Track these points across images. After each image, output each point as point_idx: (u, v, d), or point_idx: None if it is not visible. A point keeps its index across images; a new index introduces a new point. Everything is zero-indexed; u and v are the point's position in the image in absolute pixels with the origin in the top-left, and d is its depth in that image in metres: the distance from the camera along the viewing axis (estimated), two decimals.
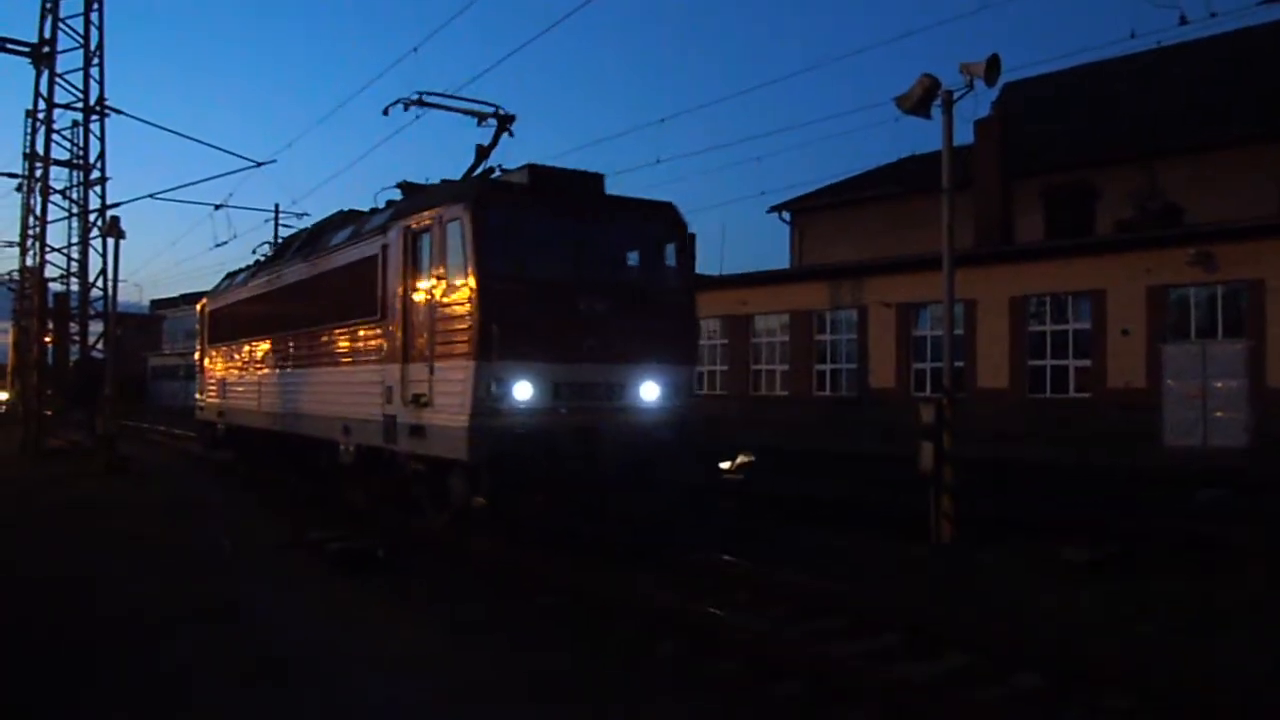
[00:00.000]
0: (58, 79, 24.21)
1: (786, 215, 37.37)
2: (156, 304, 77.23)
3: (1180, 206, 23.70)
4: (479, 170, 12.32)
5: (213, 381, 21.34)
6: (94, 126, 24.73)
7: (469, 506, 9.97)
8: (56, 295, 28.13)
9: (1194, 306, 20.61)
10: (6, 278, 38.84)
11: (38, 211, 25.86)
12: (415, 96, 12.42)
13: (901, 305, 25.25)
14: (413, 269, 11.11)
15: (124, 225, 22.07)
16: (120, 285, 24.87)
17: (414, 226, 11.13)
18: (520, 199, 10.62)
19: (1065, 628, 7.57)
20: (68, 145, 25.96)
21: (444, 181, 12.42)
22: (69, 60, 24.34)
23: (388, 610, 8.17)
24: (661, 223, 11.42)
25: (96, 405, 24.57)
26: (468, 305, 9.83)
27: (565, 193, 10.93)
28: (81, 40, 24.24)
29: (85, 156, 25.15)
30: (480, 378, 9.61)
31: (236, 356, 19.33)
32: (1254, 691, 5.82)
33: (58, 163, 25.60)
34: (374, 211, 13.73)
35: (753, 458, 15.61)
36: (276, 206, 40.78)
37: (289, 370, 15.74)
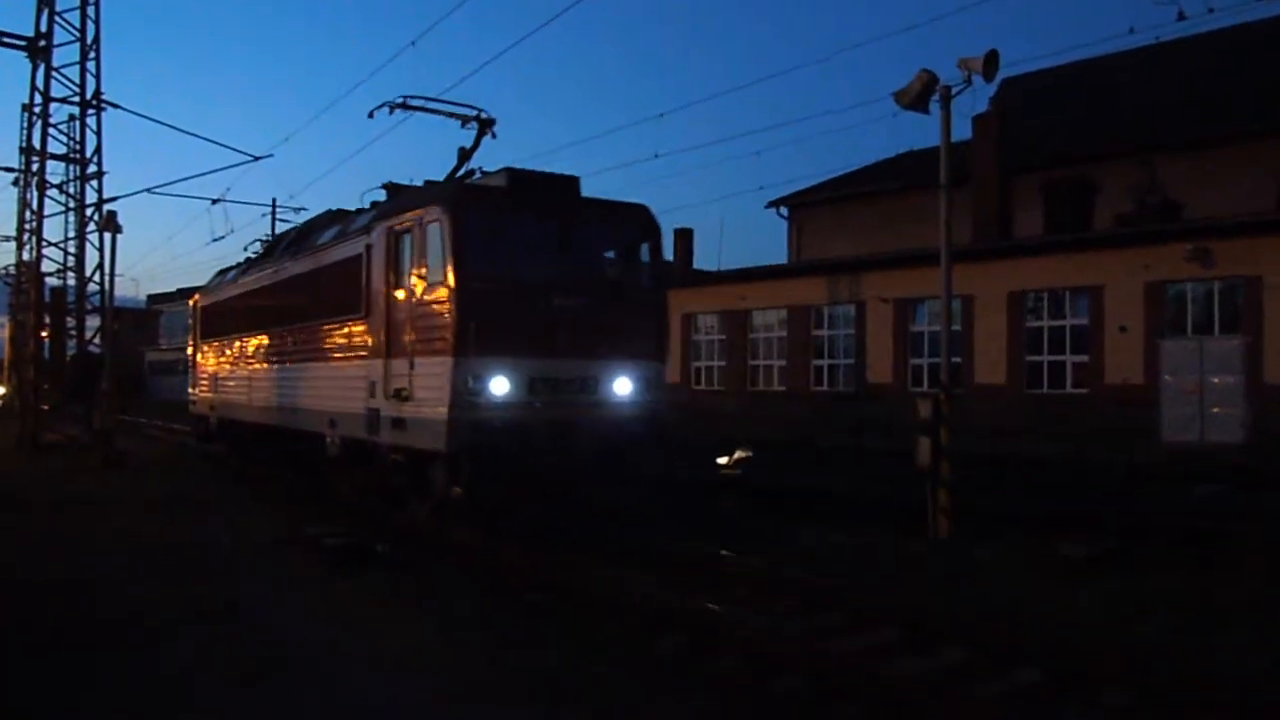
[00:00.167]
0: (54, 73, 24.15)
1: (785, 210, 37.36)
2: (153, 299, 77.14)
3: (1179, 202, 23.70)
4: (461, 172, 12.67)
5: (205, 376, 21.66)
6: (91, 121, 24.69)
7: (448, 497, 10.36)
8: (53, 290, 28.03)
9: (1192, 302, 20.61)
10: (3, 272, 38.71)
11: (34, 206, 25.76)
12: (400, 100, 12.78)
13: (899, 300, 25.25)
14: (395, 268, 11.53)
15: (121, 220, 21.99)
16: (117, 280, 24.75)
17: (396, 227, 11.55)
18: (497, 201, 11.05)
19: (1063, 624, 7.57)
20: (64, 139, 25.86)
21: (427, 183, 12.83)
22: (65, 54, 24.31)
23: (386, 608, 8.17)
24: (635, 224, 11.85)
25: (93, 400, 24.53)
26: (447, 303, 10.27)
27: (541, 195, 11.36)
28: (78, 34, 24.17)
29: (82, 151, 25.10)
30: (458, 373, 10.04)
31: (228, 352, 19.70)
32: (1253, 688, 5.82)
33: (54, 157, 25.54)
34: (359, 212, 14.11)
35: (750, 453, 15.63)
36: (274, 201, 40.59)
37: (278, 365, 16.12)
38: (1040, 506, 13.00)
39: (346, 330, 13.00)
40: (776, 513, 12.97)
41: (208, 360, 21.52)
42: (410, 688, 6.16)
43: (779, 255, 37.54)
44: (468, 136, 12.92)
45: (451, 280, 10.24)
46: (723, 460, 15.29)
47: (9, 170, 30.74)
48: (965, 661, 6.54)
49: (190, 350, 23.80)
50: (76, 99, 24.43)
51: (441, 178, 12.87)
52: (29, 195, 26.83)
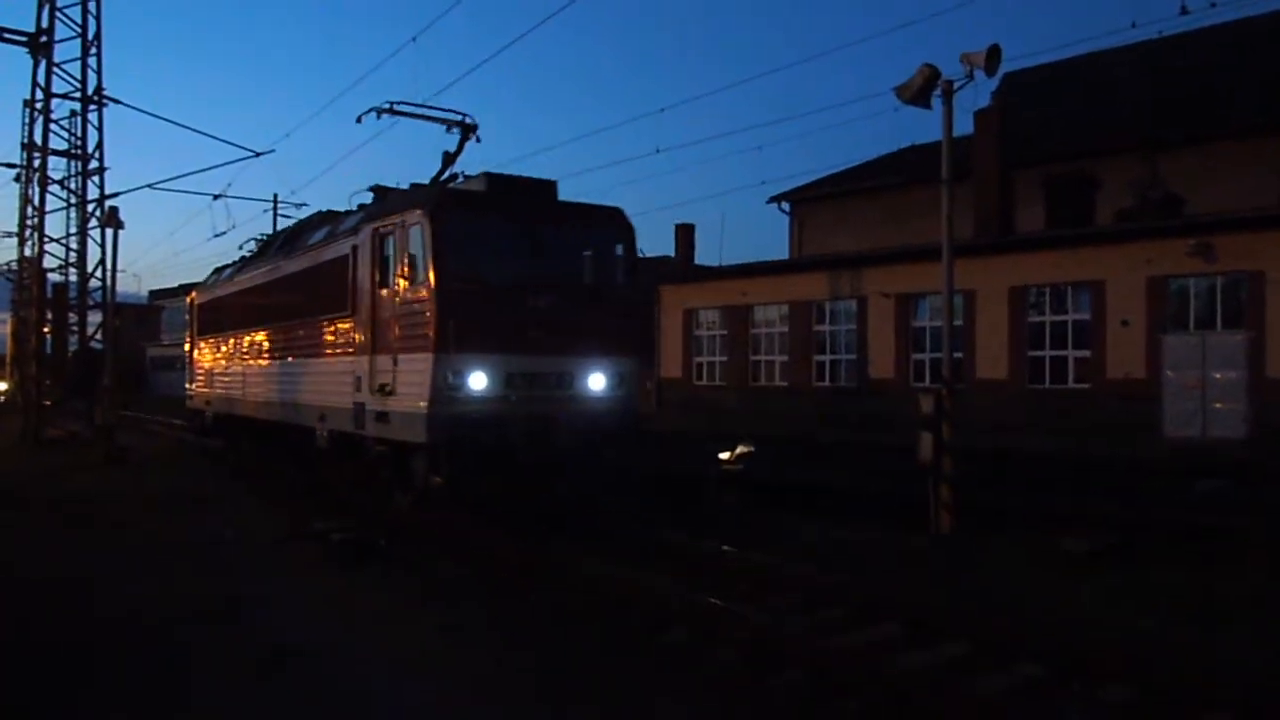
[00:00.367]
0: (55, 68, 24.14)
1: (786, 206, 37.31)
2: (155, 294, 77.15)
3: (1181, 197, 23.65)
4: (445, 176, 13.27)
5: (201, 371, 22.17)
6: (92, 116, 24.70)
7: (429, 486, 10.91)
8: (55, 286, 28.04)
9: (1194, 297, 20.58)
10: (5, 268, 38.71)
11: (36, 202, 25.78)
12: (387, 105, 13.36)
13: (901, 296, 25.22)
14: (380, 269, 12.02)
15: (122, 215, 22.07)
16: (119, 275, 24.89)
17: (381, 229, 12.05)
18: (476, 205, 11.62)
19: (1065, 619, 7.57)
20: (66, 135, 25.86)
21: (412, 186, 13.33)
22: (67, 50, 24.31)
23: (389, 604, 8.18)
24: (609, 226, 12.35)
25: (95, 396, 24.56)
26: (427, 302, 10.80)
27: (519, 199, 11.93)
28: (79, 29, 24.16)
29: (83, 146, 25.09)
30: (439, 369, 10.55)
31: (222, 348, 20.22)
32: (1254, 684, 5.82)
33: (56, 153, 25.53)
34: (348, 214, 14.68)
35: (752, 448, 15.60)
36: (275, 196, 40.42)
37: (270, 361, 16.69)
38: (1042, 501, 13.00)
39: (334, 328, 13.48)
40: (778, 508, 12.98)
41: (203, 356, 22.00)
42: (413, 686, 6.16)
43: (780, 250, 37.51)
44: (450, 142, 13.56)
45: (432, 280, 10.77)
46: (724, 456, 15.26)
47: (11, 166, 30.79)
48: (967, 657, 6.55)
49: (187, 346, 24.19)
50: (78, 94, 24.43)
51: (429, 179, 13.44)
52: (31, 191, 26.90)
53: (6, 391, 38.06)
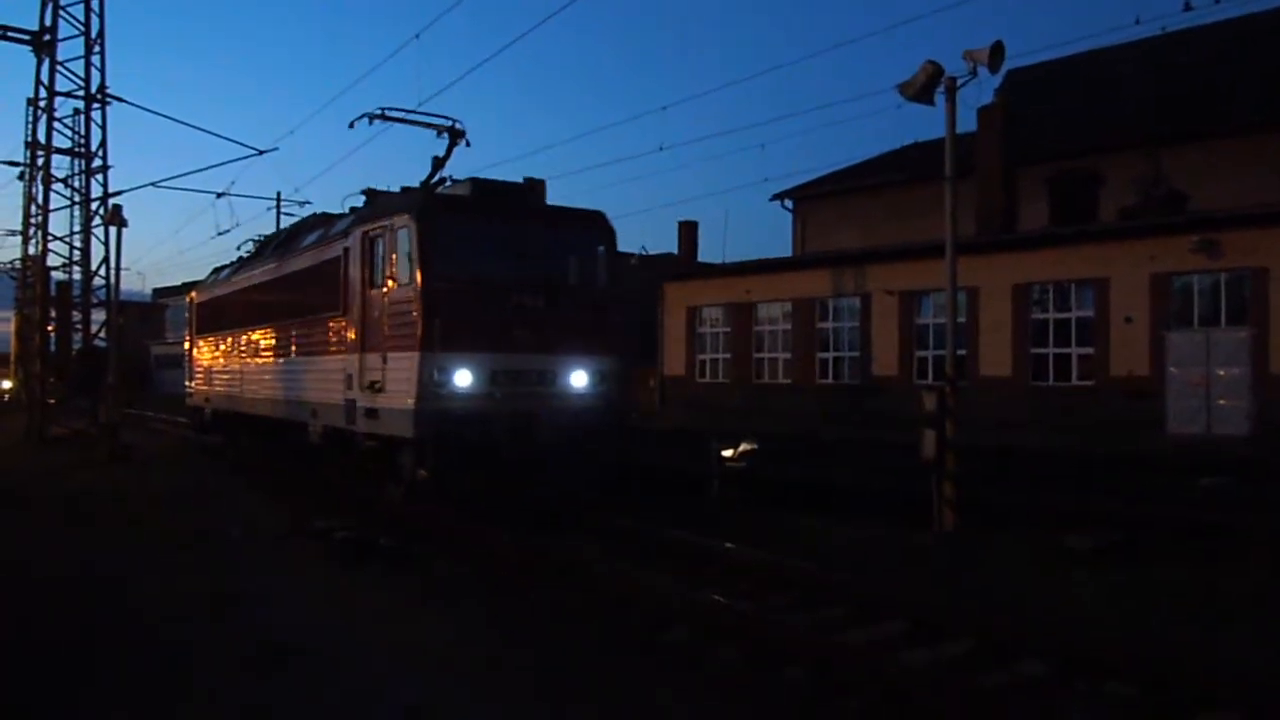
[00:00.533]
0: (59, 67, 24.17)
1: (789, 203, 37.32)
2: (159, 292, 77.35)
3: (1184, 193, 23.61)
4: (434, 180, 13.64)
5: (200, 369, 22.56)
6: (95, 114, 24.74)
7: (415, 479, 11.29)
8: (59, 284, 28.10)
9: (1197, 294, 20.55)
10: (9, 266, 38.82)
11: (40, 200, 25.87)
12: (379, 111, 13.72)
13: (904, 293, 25.21)
14: (370, 270, 12.46)
15: (126, 213, 22.01)
16: (123, 273, 24.90)
17: (370, 232, 12.46)
18: (462, 208, 12.13)
19: (1068, 616, 7.55)
20: (69, 133, 25.85)
21: (403, 189, 13.84)
22: (70, 48, 24.34)
23: (389, 602, 8.18)
24: (591, 229, 12.75)
25: (99, 394, 24.59)
26: (414, 303, 11.20)
27: (503, 202, 12.45)
28: (82, 28, 24.20)
29: (87, 144, 25.12)
30: (425, 366, 10.97)
31: (221, 346, 20.63)
32: (1257, 682, 5.80)
33: (59, 151, 25.53)
34: (340, 216, 15.10)
35: (755, 445, 15.58)
36: (279, 194, 40.61)
37: (265, 359, 17.12)
38: (1045, 499, 12.97)
39: (327, 327, 13.88)
40: (781, 506, 12.96)
41: (202, 354, 22.39)
42: (415, 684, 6.17)
43: (783, 248, 37.58)
44: (439, 147, 13.80)
45: (418, 281, 11.19)
46: (728, 453, 15.25)
47: (14, 165, 30.88)
48: (969, 654, 6.54)
49: (187, 345, 24.54)
50: (81, 93, 24.47)
51: (411, 188, 13.81)
52: (34, 190, 26.93)
53: (11, 390, 38.15)
